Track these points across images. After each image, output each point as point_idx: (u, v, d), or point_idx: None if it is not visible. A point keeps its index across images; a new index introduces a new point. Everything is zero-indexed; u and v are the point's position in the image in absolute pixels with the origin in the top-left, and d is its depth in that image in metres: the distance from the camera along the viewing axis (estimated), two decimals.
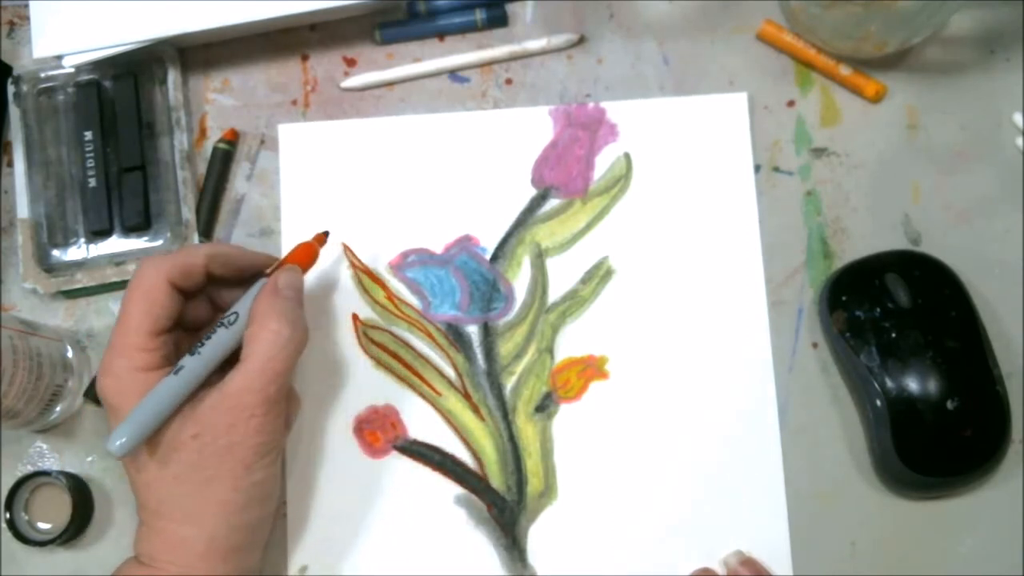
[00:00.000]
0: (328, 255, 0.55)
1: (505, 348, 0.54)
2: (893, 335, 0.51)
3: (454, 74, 0.58)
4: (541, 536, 0.52)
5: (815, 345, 0.54)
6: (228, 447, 0.45)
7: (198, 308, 0.50)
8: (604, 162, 0.56)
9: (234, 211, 0.57)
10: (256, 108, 0.58)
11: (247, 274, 0.50)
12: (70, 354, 0.54)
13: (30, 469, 0.54)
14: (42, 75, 0.57)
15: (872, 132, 0.57)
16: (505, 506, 0.53)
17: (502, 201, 0.56)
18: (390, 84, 0.58)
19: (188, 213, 0.56)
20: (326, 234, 0.52)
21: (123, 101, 0.56)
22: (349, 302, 0.55)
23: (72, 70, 0.57)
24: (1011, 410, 0.52)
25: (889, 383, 0.51)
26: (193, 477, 0.45)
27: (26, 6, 0.58)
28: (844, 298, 0.53)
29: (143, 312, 0.46)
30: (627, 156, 0.56)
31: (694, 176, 0.56)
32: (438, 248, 0.56)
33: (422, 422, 0.54)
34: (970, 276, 0.53)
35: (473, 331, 0.55)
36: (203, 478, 0.45)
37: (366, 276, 0.55)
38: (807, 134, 0.57)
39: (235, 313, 0.47)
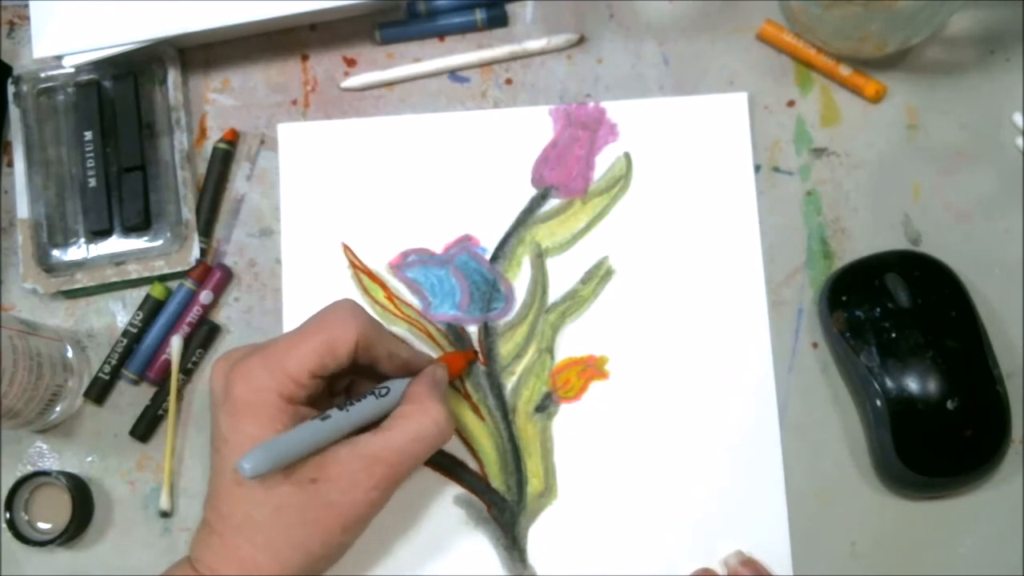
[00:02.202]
0: (328, 255, 0.55)
1: (505, 348, 0.54)
2: (893, 335, 0.51)
3: (454, 74, 0.58)
4: (541, 536, 0.52)
5: (815, 345, 0.54)
6: (339, 503, 0.45)
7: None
8: (604, 162, 0.56)
9: (234, 211, 0.57)
10: (256, 108, 0.58)
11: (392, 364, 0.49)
12: (70, 354, 0.54)
13: (30, 469, 0.54)
14: (42, 75, 0.57)
15: (872, 132, 0.57)
16: (505, 506, 0.53)
17: (502, 201, 0.56)
18: (390, 84, 0.58)
19: (188, 213, 0.56)
20: (476, 353, 0.54)
21: (123, 101, 0.56)
22: None
23: (72, 70, 0.57)
24: (1011, 410, 0.52)
25: (889, 383, 0.51)
26: (293, 516, 0.45)
27: (26, 6, 0.57)
28: (844, 298, 0.53)
29: (320, 352, 0.46)
30: (627, 156, 0.56)
31: (694, 176, 0.56)
32: (438, 248, 0.56)
33: None
34: (970, 276, 0.53)
35: (473, 331, 0.55)
36: (301, 520, 0.45)
37: (366, 276, 0.55)
38: (807, 134, 0.57)
39: (387, 387, 0.48)
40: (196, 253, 0.55)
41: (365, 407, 0.47)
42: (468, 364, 0.54)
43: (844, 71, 0.56)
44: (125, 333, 0.55)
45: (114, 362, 0.55)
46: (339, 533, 0.46)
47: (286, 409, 0.45)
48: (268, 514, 0.45)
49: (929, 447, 0.51)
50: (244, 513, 0.45)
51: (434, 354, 0.54)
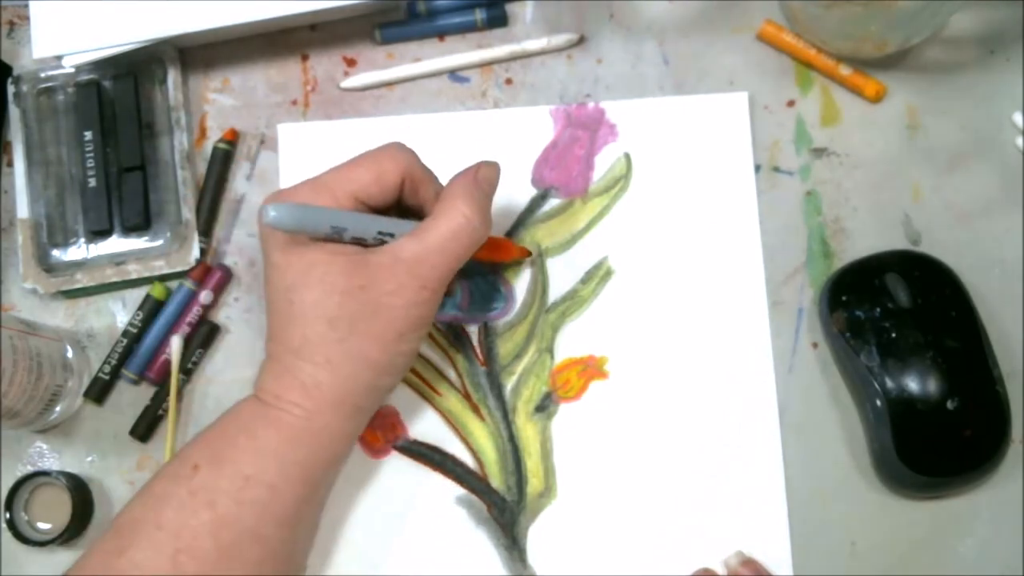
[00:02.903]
0: None
1: (505, 348, 0.54)
2: (893, 335, 0.51)
3: (454, 74, 0.58)
4: (541, 536, 0.52)
5: (815, 345, 0.54)
6: (389, 308, 0.45)
7: None
8: (604, 162, 0.56)
9: (234, 211, 0.57)
10: (256, 108, 0.58)
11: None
12: (70, 354, 0.54)
13: (30, 469, 0.54)
14: (42, 75, 0.57)
15: (872, 132, 0.57)
16: (505, 506, 0.53)
17: (502, 201, 0.56)
18: (390, 84, 0.58)
19: (188, 213, 0.56)
20: (530, 253, 0.54)
21: (123, 101, 0.56)
22: None
23: (72, 70, 0.57)
24: (1011, 410, 0.52)
25: (889, 383, 0.51)
26: (347, 327, 0.45)
27: (26, 6, 0.57)
28: (844, 298, 0.53)
29: (365, 179, 0.46)
30: (627, 156, 0.56)
31: (694, 176, 0.56)
32: None
33: (422, 422, 0.54)
34: (970, 276, 0.53)
35: (473, 331, 0.55)
36: (356, 330, 0.45)
37: None
38: (807, 134, 0.57)
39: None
40: (196, 253, 0.55)
41: (403, 223, 0.47)
42: (521, 258, 0.54)
43: (844, 71, 0.56)
44: (125, 333, 0.55)
45: (114, 362, 0.55)
46: (394, 339, 0.46)
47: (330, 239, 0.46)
48: (323, 330, 0.45)
49: (929, 447, 0.51)
50: (300, 334, 0.46)
51: (435, 356, 0.54)
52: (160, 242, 0.56)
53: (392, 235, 0.47)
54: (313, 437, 0.46)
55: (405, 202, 0.49)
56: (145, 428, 0.54)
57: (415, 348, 0.48)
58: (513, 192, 0.56)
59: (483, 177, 0.48)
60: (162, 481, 0.46)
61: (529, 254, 0.55)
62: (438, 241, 0.46)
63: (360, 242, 0.47)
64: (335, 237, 0.46)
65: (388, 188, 0.47)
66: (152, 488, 0.46)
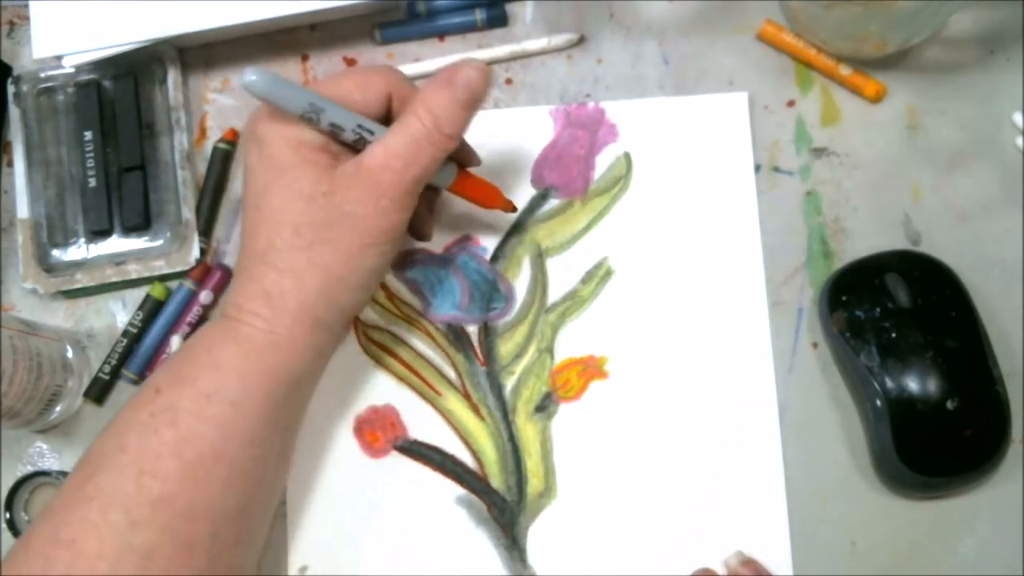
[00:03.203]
0: None
1: (505, 348, 0.54)
2: (893, 335, 0.51)
3: None
4: (541, 536, 0.52)
5: (815, 345, 0.54)
6: (353, 217, 0.45)
7: None
8: (604, 162, 0.56)
9: (234, 211, 0.57)
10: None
11: None
12: (70, 354, 0.54)
13: (30, 469, 0.54)
14: (42, 75, 0.57)
15: (872, 132, 0.57)
16: (505, 506, 0.53)
17: None
18: None
19: (188, 213, 0.56)
20: (514, 208, 0.54)
21: (123, 101, 0.56)
22: None
23: (72, 70, 0.57)
24: (1011, 410, 0.52)
25: (889, 383, 0.51)
26: (311, 234, 0.45)
27: (26, 6, 0.58)
28: (844, 298, 0.53)
29: (348, 89, 0.46)
30: (627, 156, 0.56)
31: (694, 176, 0.56)
32: (438, 248, 0.56)
33: (422, 422, 0.54)
34: (970, 276, 0.53)
35: (473, 331, 0.55)
36: (320, 239, 0.45)
37: None
38: (807, 134, 0.57)
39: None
40: (196, 253, 0.55)
41: (383, 128, 0.46)
42: (504, 209, 0.53)
43: (844, 71, 0.56)
44: (125, 333, 0.55)
45: (114, 362, 0.55)
46: (358, 251, 0.45)
47: (312, 129, 0.45)
48: (287, 235, 0.45)
49: (929, 447, 0.51)
50: (266, 239, 0.45)
51: (435, 356, 0.54)
52: (160, 242, 0.56)
53: (372, 132, 0.46)
54: (274, 349, 0.45)
55: (391, 118, 0.48)
56: None
57: (379, 265, 0.47)
58: (513, 192, 0.56)
59: (464, 80, 0.45)
60: (126, 410, 0.46)
61: (515, 209, 0.54)
62: (397, 148, 0.45)
63: (338, 137, 0.46)
64: (309, 119, 0.45)
65: (372, 100, 0.46)
66: (117, 418, 0.46)
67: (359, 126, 0.45)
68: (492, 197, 0.53)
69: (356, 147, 0.46)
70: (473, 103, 0.46)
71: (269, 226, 0.45)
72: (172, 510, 0.43)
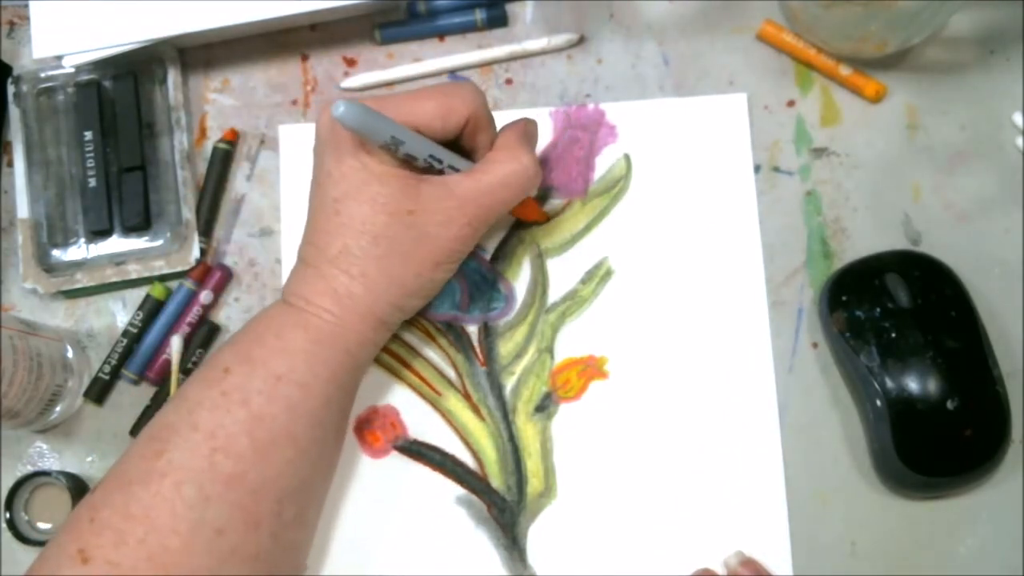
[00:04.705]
0: None
1: (505, 348, 0.54)
2: (893, 335, 0.51)
3: (454, 74, 0.58)
4: (541, 536, 0.52)
5: (815, 345, 0.54)
6: (434, 238, 0.47)
7: None
8: (604, 163, 0.56)
9: (234, 211, 0.57)
10: (256, 108, 0.58)
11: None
12: (70, 354, 0.54)
13: (30, 469, 0.54)
14: (42, 75, 0.57)
15: (872, 132, 0.57)
16: (505, 506, 0.53)
17: None
18: (390, 84, 0.58)
19: (188, 213, 0.56)
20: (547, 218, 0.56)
21: (123, 101, 0.56)
22: None
23: (72, 70, 0.57)
24: (1011, 410, 0.52)
25: (889, 383, 0.51)
26: (389, 246, 0.47)
27: (26, 6, 0.58)
28: (844, 298, 0.53)
29: (431, 113, 0.47)
30: (627, 157, 0.56)
31: (694, 177, 0.56)
32: None
33: (422, 422, 0.54)
34: (970, 276, 0.53)
35: (473, 331, 0.55)
36: (396, 251, 0.47)
37: None
38: (807, 134, 0.57)
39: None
40: (196, 253, 0.55)
41: (455, 156, 0.49)
42: (539, 220, 0.55)
43: (844, 71, 0.56)
44: (125, 333, 0.55)
45: (114, 362, 0.55)
46: (431, 268, 0.48)
47: (388, 153, 0.47)
48: (365, 244, 0.47)
49: (929, 447, 0.51)
50: (341, 244, 0.47)
51: (435, 356, 0.54)
52: (160, 242, 0.56)
53: (440, 161, 0.48)
54: (340, 340, 0.47)
55: (460, 141, 0.50)
56: None
57: (445, 279, 0.49)
58: None
59: (530, 132, 0.51)
60: (194, 386, 0.47)
61: (548, 218, 0.55)
62: (492, 183, 0.48)
63: (408, 161, 0.47)
64: (389, 149, 0.46)
65: (451, 126, 0.48)
66: (184, 394, 0.47)
67: (431, 156, 0.47)
68: (532, 210, 0.54)
69: (422, 168, 0.48)
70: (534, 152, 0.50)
71: (347, 232, 0.47)
72: (243, 487, 0.44)
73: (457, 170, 0.49)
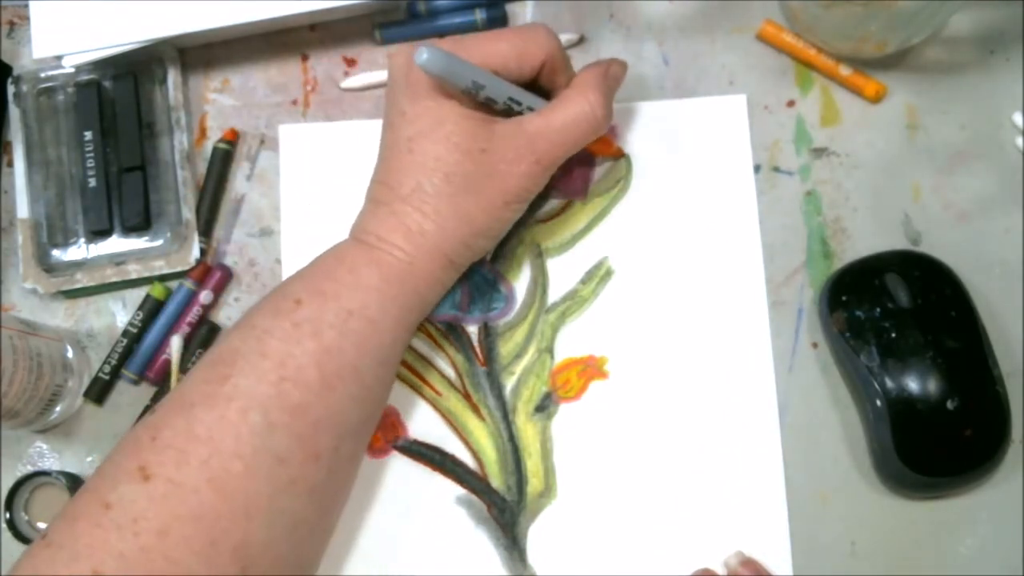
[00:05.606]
0: None
1: (505, 348, 0.54)
2: (893, 335, 0.51)
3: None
4: (541, 536, 0.52)
5: (815, 345, 0.54)
6: (504, 175, 0.48)
7: None
8: (604, 163, 0.56)
9: (234, 211, 0.57)
10: (256, 108, 0.58)
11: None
12: (70, 354, 0.54)
13: (30, 469, 0.54)
14: (42, 75, 0.57)
15: (872, 132, 0.57)
16: (505, 506, 0.53)
17: None
18: None
19: (188, 213, 0.56)
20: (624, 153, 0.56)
21: (123, 101, 0.56)
22: None
23: (72, 70, 0.57)
24: (1011, 410, 0.52)
25: (889, 383, 0.51)
26: (461, 184, 0.47)
27: (26, 6, 0.58)
28: (844, 298, 0.53)
29: (506, 54, 0.48)
30: (627, 158, 0.56)
31: (694, 177, 0.56)
32: None
33: (422, 422, 0.54)
34: (970, 276, 0.53)
35: (473, 331, 0.55)
36: (469, 189, 0.47)
37: None
38: (807, 134, 0.57)
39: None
40: (196, 253, 0.55)
41: (533, 97, 0.50)
42: (615, 156, 0.56)
43: (844, 71, 0.56)
44: (125, 333, 0.55)
45: (114, 362, 0.55)
46: (500, 206, 0.48)
47: (464, 94, 0.47)
48: (438, 182, 0.47)
49: (929, 447, 0.51)
50: (414, 182, 0.47)
51: (435, 356, 0.54)
52: (160, 242, 0.56)
53: (520, 103, 0.49)
54: (411, 279, 0.48)
55: (538, 82, 0.50)
56: None
57: (513, 218, 0.50)
58: None
59: (613, 74, 0.51)
60: (262, 315, 0.47)
61: (624, 154, 0.56)
62: (562, 122, 0.48)
63: (488, 104, 0.48)
64: (469, 93, 0.47)
65: (526, 69, 0.49)
66: (252, 321, 0.47)
67: (510, 98, 0.48)
68: (607, 147, 0.55)
69: (501, 111, 0.49)
70: (615, 94, 0.51)
71: (420, 170, 0.47)
72: (307, 419, 0.45)
73: (534, 111, 0.49)
